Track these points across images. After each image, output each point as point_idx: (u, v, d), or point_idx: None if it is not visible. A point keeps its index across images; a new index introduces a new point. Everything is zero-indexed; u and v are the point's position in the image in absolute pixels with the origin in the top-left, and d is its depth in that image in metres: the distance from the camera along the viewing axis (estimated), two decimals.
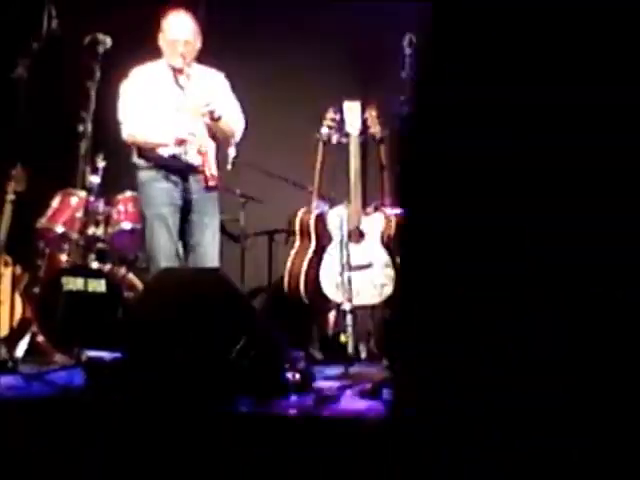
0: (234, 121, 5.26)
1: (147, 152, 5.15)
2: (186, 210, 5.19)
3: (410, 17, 6.15)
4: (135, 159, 5.21)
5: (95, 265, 5.70)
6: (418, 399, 2.18)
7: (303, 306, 5.93)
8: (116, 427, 3.62)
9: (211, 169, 5.03)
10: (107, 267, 5.76)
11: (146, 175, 5.18)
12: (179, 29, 5.15)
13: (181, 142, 5.07)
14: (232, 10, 6.75)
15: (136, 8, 6.34)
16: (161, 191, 5.14)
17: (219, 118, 5.08)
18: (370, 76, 6.49)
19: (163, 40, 5.17)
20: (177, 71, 5.17)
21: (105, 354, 4.39)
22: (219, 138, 5.25)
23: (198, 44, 5.20)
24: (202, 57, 5.34)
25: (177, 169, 5.13)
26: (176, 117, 5.11)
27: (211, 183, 5.01)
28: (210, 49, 5.26)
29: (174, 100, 5.14)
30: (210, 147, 5.12)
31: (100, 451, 3.53)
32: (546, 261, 2.09)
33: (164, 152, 5.11)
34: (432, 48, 2.22)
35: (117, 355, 4.23)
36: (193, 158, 5.13)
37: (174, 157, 5.10)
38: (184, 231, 5.21)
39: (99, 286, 5.50)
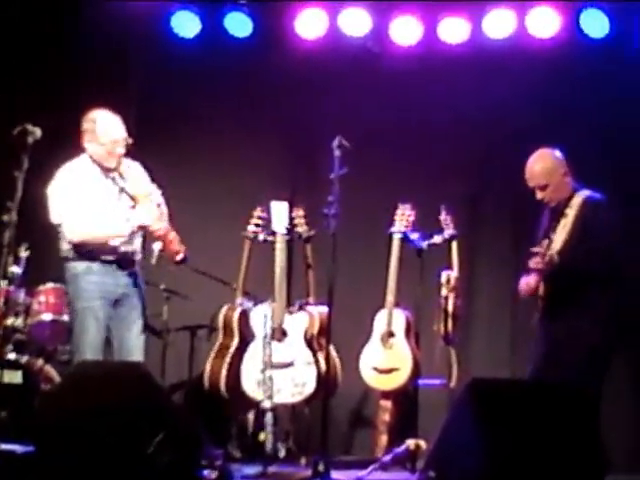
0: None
1: (85, 246, 5.01)
2: (117, 303, 5.06)
3: (340, 119, 6.31)
4: (65, 252, 5.06)
5: (12, 356, 5.60)
6: None
7: (223, 402, 5.88)
8: None
9: (176, 244, 5.04)
10: (24, 358, 5.66)
11: (78, 267, 5.01)
12: (118, 129, 5.03)
13: (141, 229, 5.00)
14: (161, 107, 6.81)
15: (69, 101, 6.38)
16: (94, 284, 4.99)
17: (159, 204, 5.06)
18: (298, 176, 6.59)
19: (99, 140, 5.01)
20: (107, 169, 5.07)
21: (17, 447, 4.29)
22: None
23: (130, 140, 5.11)
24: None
25: (114, 261, 5.03)
26: (119, 207, 5.02)
27: (178, 258, 5.03)
28: (137, 145, 5.21)
29: (107, 192, 5.05)
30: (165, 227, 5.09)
31: None
32: None
33: (114, 242, 5.02)
34: None
35: (29, 448, 4.14)
36: (137, 245, 5.09)
37: (120, 250, 5.01)
38: (112, 323, 5.08)
39: (15, 377, 5.41)
